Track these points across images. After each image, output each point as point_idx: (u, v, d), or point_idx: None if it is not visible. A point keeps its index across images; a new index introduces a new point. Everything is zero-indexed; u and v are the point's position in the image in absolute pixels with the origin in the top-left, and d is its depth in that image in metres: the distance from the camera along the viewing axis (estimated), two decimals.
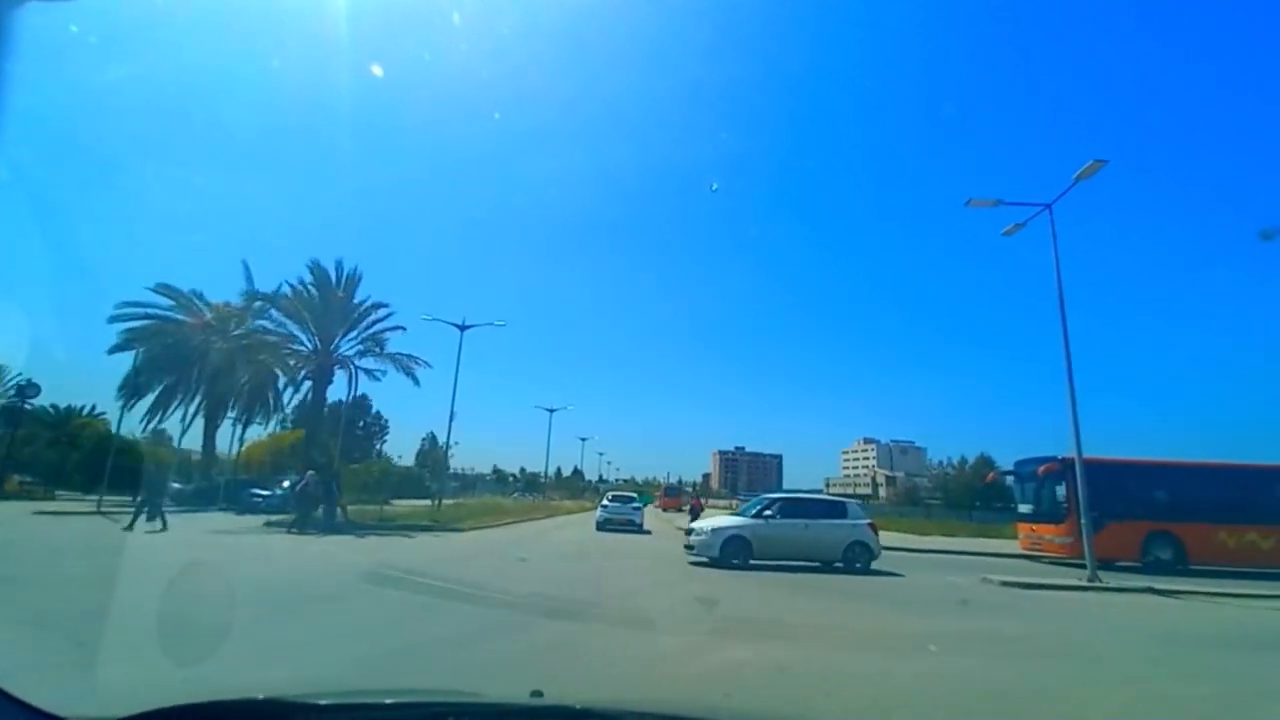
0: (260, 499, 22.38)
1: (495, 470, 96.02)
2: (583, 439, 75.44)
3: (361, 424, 60.61)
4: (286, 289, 23.42)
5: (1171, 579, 13.43)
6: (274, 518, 18.68)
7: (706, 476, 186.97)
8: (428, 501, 30.18)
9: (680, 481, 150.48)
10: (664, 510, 52.77)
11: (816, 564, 13.35)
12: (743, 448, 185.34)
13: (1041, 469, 17.37)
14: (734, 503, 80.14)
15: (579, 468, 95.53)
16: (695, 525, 14.14)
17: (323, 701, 1.71)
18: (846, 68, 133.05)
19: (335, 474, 19.14)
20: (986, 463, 53.39)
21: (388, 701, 1.89)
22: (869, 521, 13.98)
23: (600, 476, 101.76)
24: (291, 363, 23.96)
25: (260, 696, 1.63)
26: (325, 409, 26.21)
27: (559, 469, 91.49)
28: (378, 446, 60.52)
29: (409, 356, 22.44)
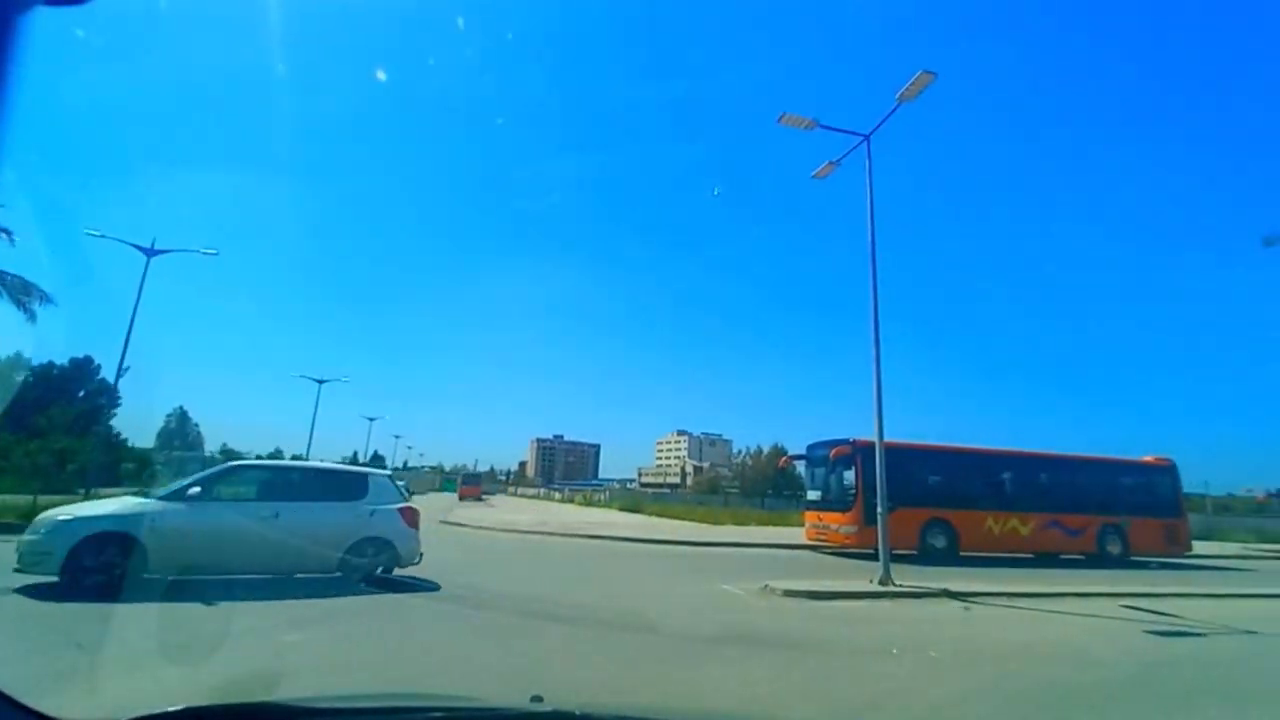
0: None
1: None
2: (370, 419, 66.11)
3: (83, 392, 47.41)
4: None
5: (958, 577, 12.21)
6: None
7: (523, 465, 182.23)
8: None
9: (492, 470, 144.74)
10: (462, 499, 48.87)
11: (307, 575, 8.08)
12: (561, 436, 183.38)
13: (833, 452, 15.93)
14: (542, 493, 77.79)
15: (379, 453, 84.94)
16: (47, 517, 7.30)
17: (321, 706, 1.73)
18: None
19: None
20: (781, 450, 55.64)
21: (386, 706, 1.95)
22: (404, 505, 8.91)
23: (405, 464, 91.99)
24: None
25: (260, 700, 1.76)
26: None
27: (355, 453, 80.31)
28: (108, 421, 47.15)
29: (17, 279, 14.90)
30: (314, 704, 1.69)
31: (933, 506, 15.87)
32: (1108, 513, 17.28)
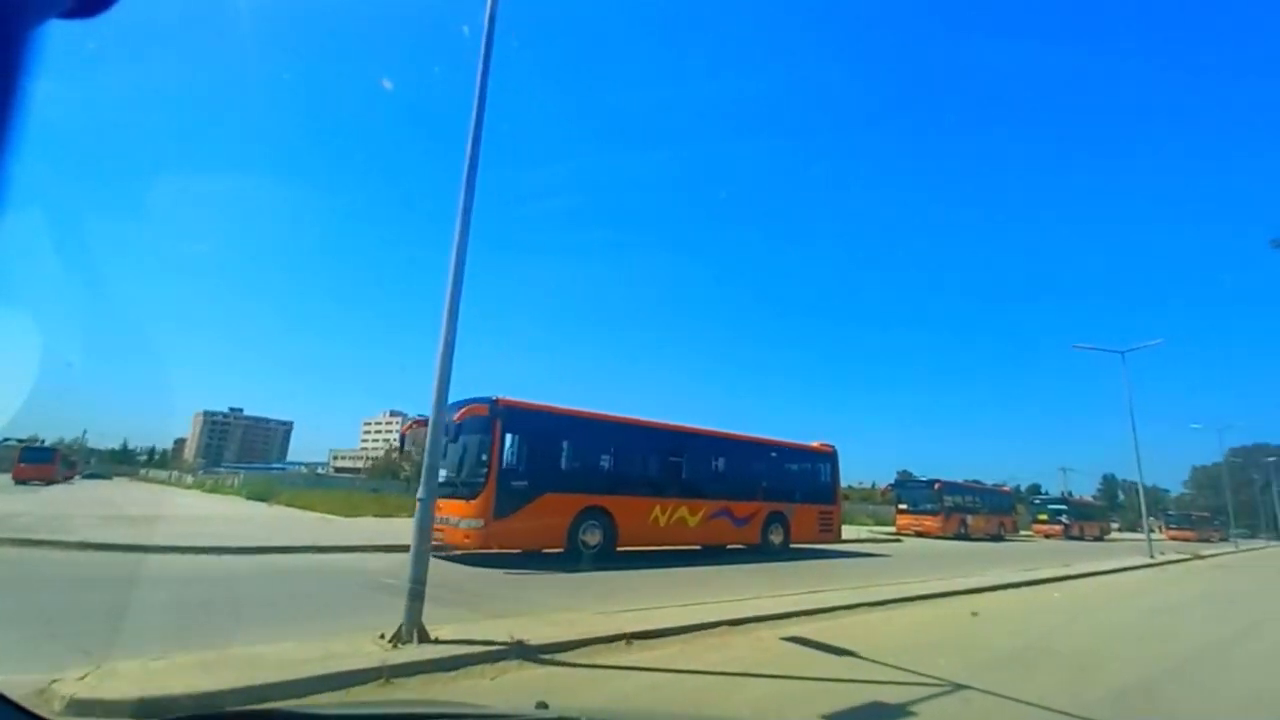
0: None
1: None
2: None
3: None
4: None
5: (581, 592, 8.38)
6: None
7: (180, 443, 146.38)
8: None
9: (125, 447, 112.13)
10: (21, 481, 34.80)
11: None
12: (240, 409, 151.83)
13: (459, 415, 11.20)
14: (185, 478, 60.58)
15: None
16: None
17: (326, 712, 1.92)
18: None
19: None
20: None
21: (393, 713, 1.98)
22: None
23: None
24: None
25: (268, 706, 1.96)
26: None
27: None
28: None
29: None
30: (321, 711, 1.90)
31: (589, 492, 12.17)
32: (774, 499, 15.79)
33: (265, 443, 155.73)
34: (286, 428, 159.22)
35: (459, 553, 11.14)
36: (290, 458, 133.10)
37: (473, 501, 10.79)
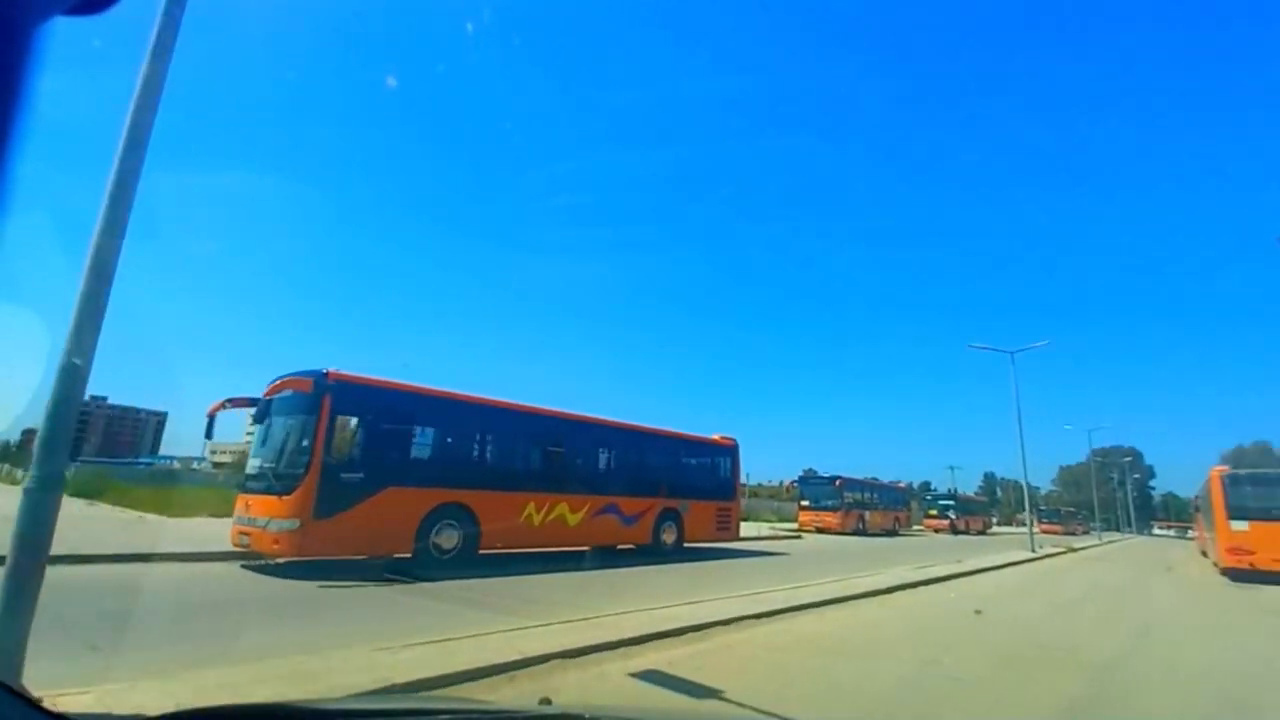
0: None
1: None
2: None
3: None
4: None
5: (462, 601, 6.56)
6: None
7: (29, 434, 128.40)
8: None
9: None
10: None
11: None
12: (105, 398, 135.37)
13: (272, 389, 9.03)
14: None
15: None
16: None
17: (330, 708, 1.68)
18: None
19: None
20: None
21: (396, 708, 1.91)
22: None
23: None
24: None
25: (269, 702, 1.80)
26: None
27: None
28: None
29: None
30: (324, 706, 1.73)
31: (445, 485, 10.28)
32: (668, 495, 14.47)
33: (135, 435, 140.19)
34: (159, 418, 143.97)
35: (283, 561, 9.00)
36: (168, 451, 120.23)
37: (287, 498, 8.66)
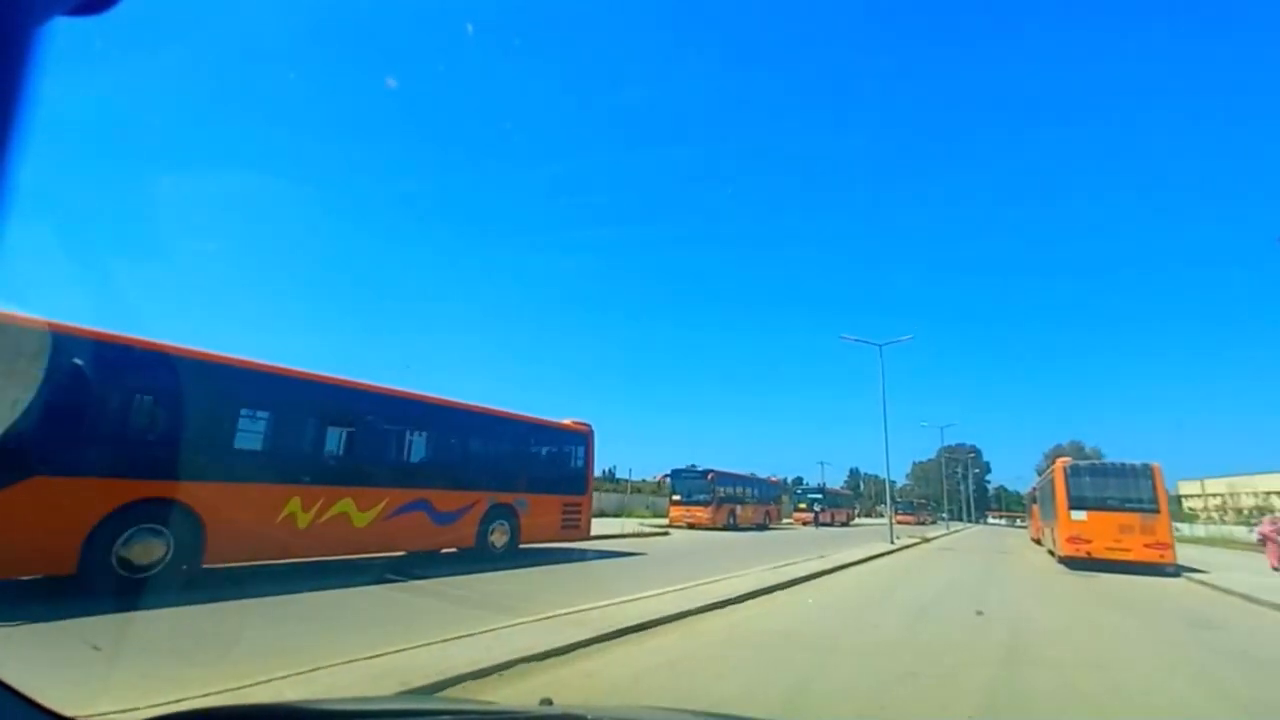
0: None
1: None
2: None
3: None
4: None
5: None
6: None
7: None
8: None
9: None
10: None
11: None
12: None
13: None
14: None
15: None
16: None
17: (332, 708, 1.65)
18: None
19: None
20: None
21: (397, 708, 1.86)
22: None
23: None
24: None
25: (268, 703, 1.82)
26: None
27: None
28: None
29: None
30: (324, 706, 1.73)
31: (140, 474, 7.24)
32: (501, 488, 12.12)
33: None
34: None
35: None
36: None
37: None
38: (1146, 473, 16.03)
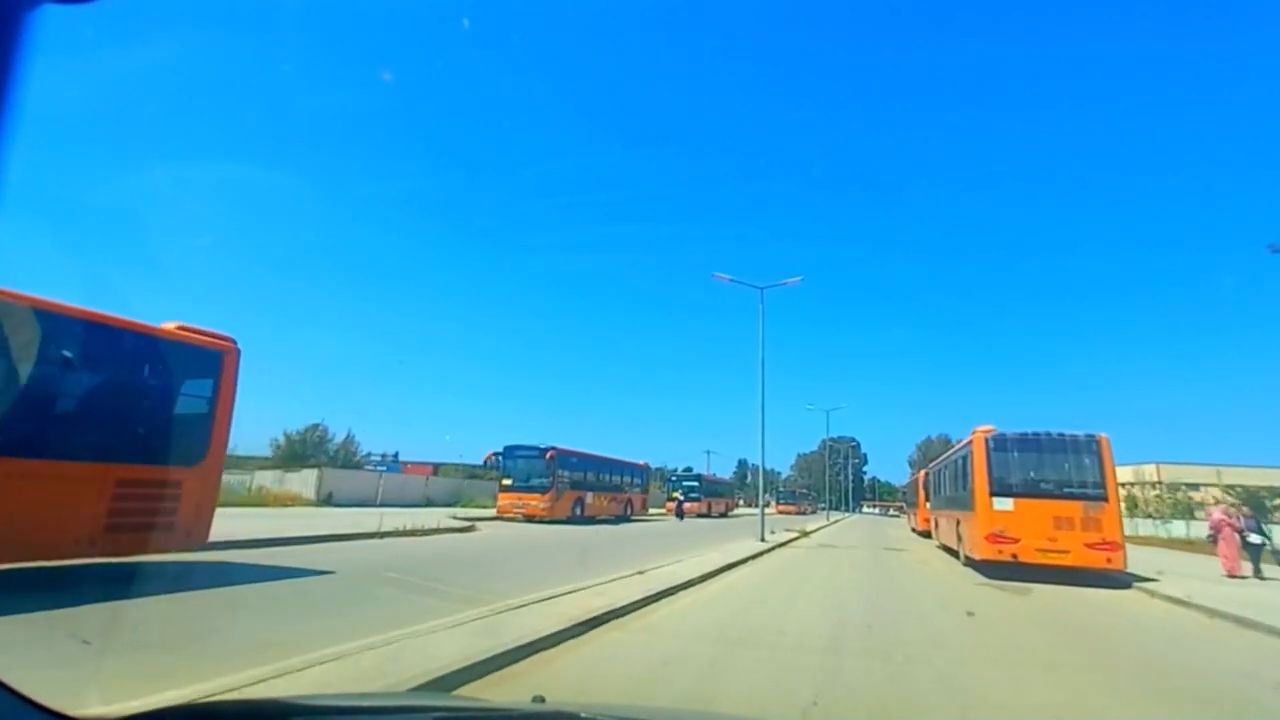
0: None
1: None
2: None
3: None
4: None
5: None
6: None
7: None
8: None
9: None
10: None
11: None
12: None
13: None
14: None
15: None
16: None
17: (324, 704, 1.62)
18: None
19: None
20: None
21: (389, 705, 1.81)
22: None
23: None
24: None
25: (262, 697, 1.78)
26: None
27: None
28: None
29: None
30: (317, 701, 1.67)
31: None
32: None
33: None
34: None
35: None
36: None
37: None
38: (1091, 447, 11.76)
